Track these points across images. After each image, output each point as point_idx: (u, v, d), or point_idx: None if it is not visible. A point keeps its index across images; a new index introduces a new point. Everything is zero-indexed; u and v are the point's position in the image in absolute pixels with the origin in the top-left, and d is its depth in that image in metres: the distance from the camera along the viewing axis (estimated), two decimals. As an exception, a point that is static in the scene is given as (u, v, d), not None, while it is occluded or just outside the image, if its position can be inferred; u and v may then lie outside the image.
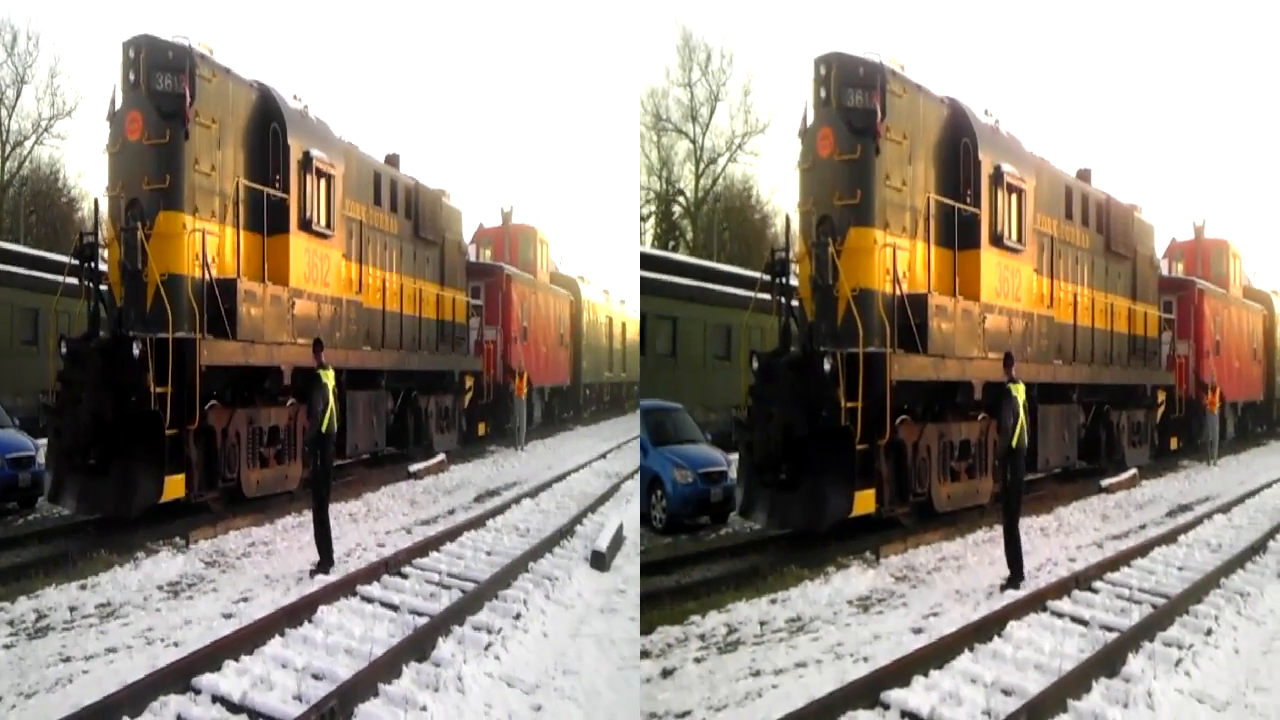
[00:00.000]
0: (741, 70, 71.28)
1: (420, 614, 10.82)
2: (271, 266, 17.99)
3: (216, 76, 16.99)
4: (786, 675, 9.53)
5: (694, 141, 51.24)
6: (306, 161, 18.62)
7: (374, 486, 20.44)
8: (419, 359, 24.74)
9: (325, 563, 12.99)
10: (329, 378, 13.18)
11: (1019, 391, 13.03)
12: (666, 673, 9.71)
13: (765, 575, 13.13)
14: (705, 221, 51.40)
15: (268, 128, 18.17)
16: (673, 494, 17.04)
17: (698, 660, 10.04)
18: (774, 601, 12.07)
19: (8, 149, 49.97)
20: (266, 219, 17.84)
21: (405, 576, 12.72)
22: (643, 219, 51.87)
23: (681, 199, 52.63)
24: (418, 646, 9.55)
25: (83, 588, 12.01)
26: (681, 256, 40.00)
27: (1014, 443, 12.90)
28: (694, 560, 14.41)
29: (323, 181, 19.23)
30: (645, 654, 10.31)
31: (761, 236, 49.28)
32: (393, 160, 25.07)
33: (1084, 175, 23.33)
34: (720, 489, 17.13)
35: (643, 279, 28.20)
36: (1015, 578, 12.86)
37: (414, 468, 22.45)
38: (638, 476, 18.88)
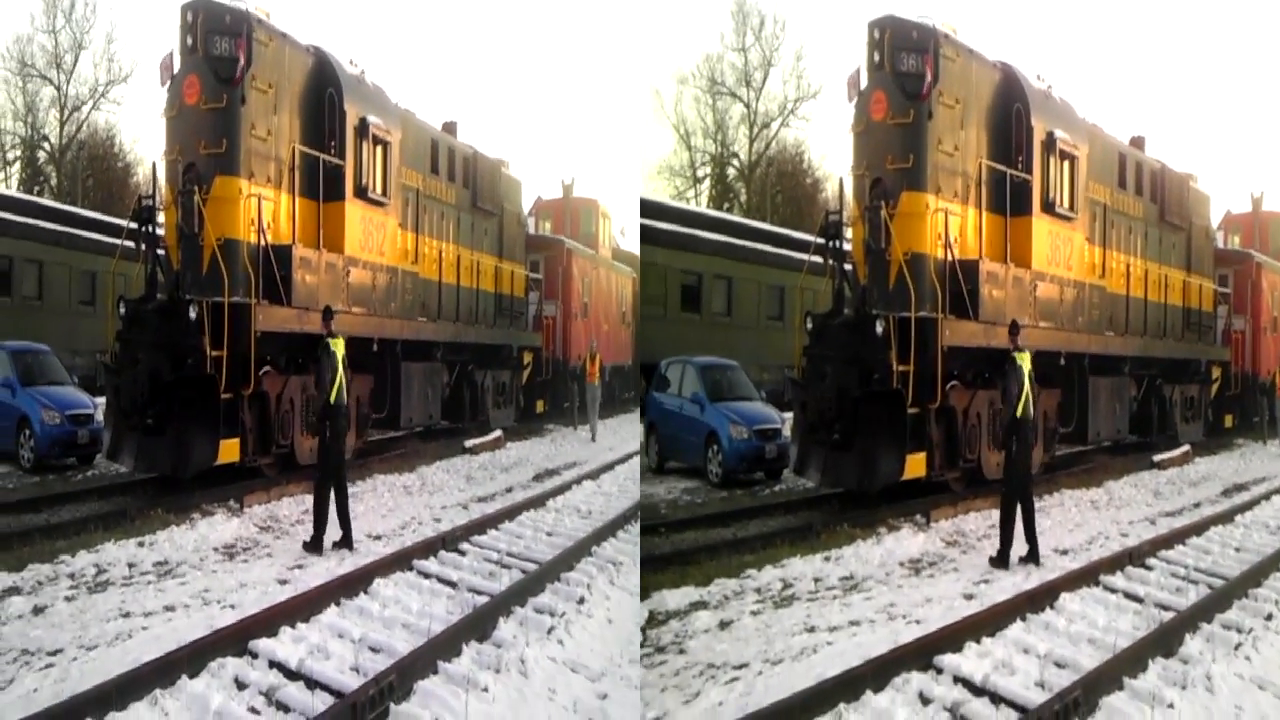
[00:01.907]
0: (794, 36, 72.00)
1: (480, 592, 10.57)
2: (327, 233, 17.92)
3: (273, 41, 16.96)
4: (841, 633, 9.59)
5: (748, 105, 52.13)
6: (363, 128, 18.52)
7: (429, 460, 20.24)
8: (475, 332, 24.40)
9: (318, 541, 12.41)
10: (338, 346, 12.86)
11: (1023, 360, 12.66)
12: (724, 624, 9.79)
13: (819, 533, 13.37)
14: (759, 185, 52.11)
15: (324, 93, 18.09)
16: (728, 449, 17.43)
17: (754, 613, 10.17)
18: (828, 559, 12.25)
19: (66, 113, 50.83)
20: (322, 185, 17.77)
21: (463, 553, 12.45)
22: (698, 181, 52.77)
23: (735, 162, 53.32)
24: (478, 625, 9.32)
25: (140, 545, 12.22)
26: (735, 217, 39.95)
27: (1018, 412, 12.54)
28: (749, 515, 14.77)
29: (379, 148, 19.08)
30: (703, 605, 10.40)
31: (813, 200, 49.69)
32: (450, 128, 24.76)
33: (1137, 143, 23.00)
34: (775, 446, 17.49)
35: (697, 238, 28.34)
36: (1003, 556, 12.34)
37: (470, 443, 22.21)
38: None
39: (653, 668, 8.81)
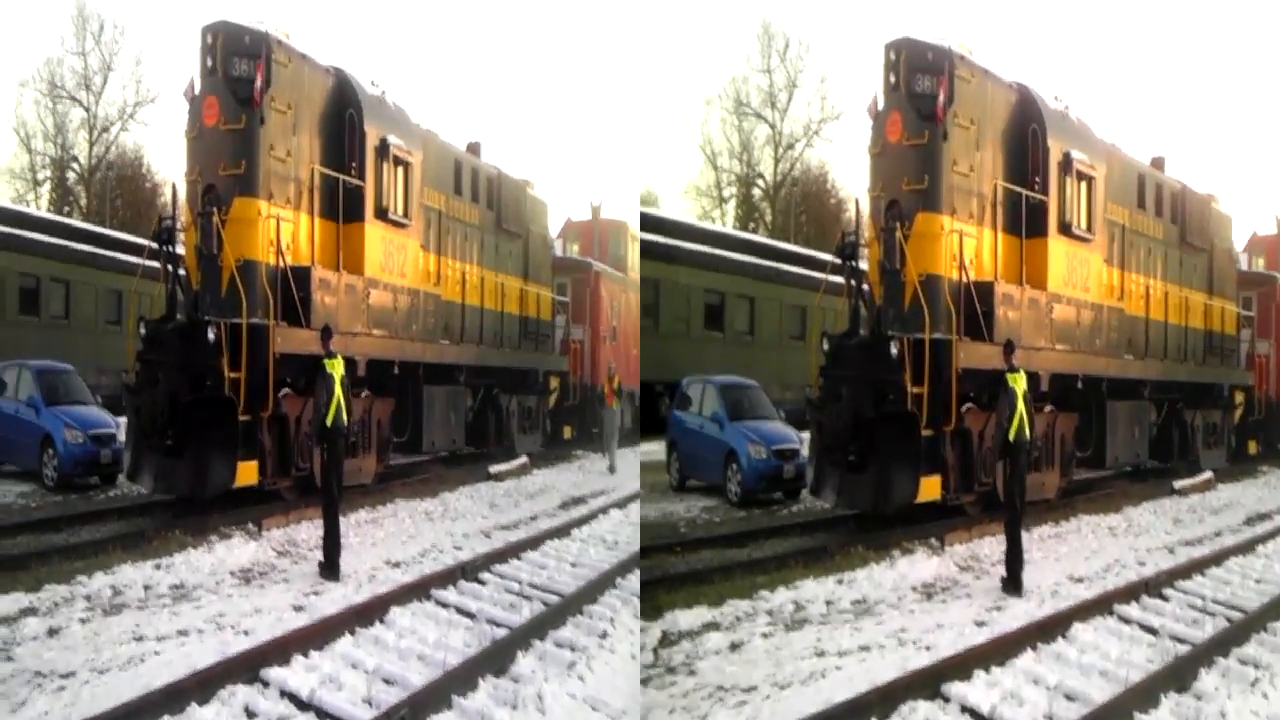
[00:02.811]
0: (819, 58, 73.17)
1: (499, 624, 10.38)
2: (347, 255, 17.92)
3: (292, 62, 17.03)
4: (850, 657, 9.58)
5: (773, 126, 53.34)
6: (383, 148, 18.53)
7: (451, 486, 19.95)
8: (500, 355, 24.05)
9: (332, 567, 12.35)
10: (334, 368, 12.66)
11: (1017, 382, 12.55)
12: (735, 646, 9.83)
13: (833, 555, 13.37)
14: (783, 205, 53.08)
15: (344, 114, 18.13)
16: (747, 468, 17.56)
17: (765, 635, 10.20)
18: (840, 582, 12.21)
19: (95, 134, 51.45)
20: (342, 206, 17.78)
21: (483, 583, 12.22)
22: (723, 201, 53.96)
23: (761, 182, 54.22)
24: (495, 659, 9.11)
25: (157, 567, 12.20)
26: (759, 237, 40.68)
27: (1011, 435, 12.45)
28: (764, 535, 14.81)
29: (400, 169, 19.06)
30: (714, 626, 10.42)
31: (837, 221, 50.29)
32: (474, 149, 24.66)
33: (1158, 164, 22.81)
34: (793, 466, 17.58)
35: (720, 257, 28.44)
36: (1014, 582, 12.20)
37: (494, 469, 21.83)
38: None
39: (663, 689, 8.82)
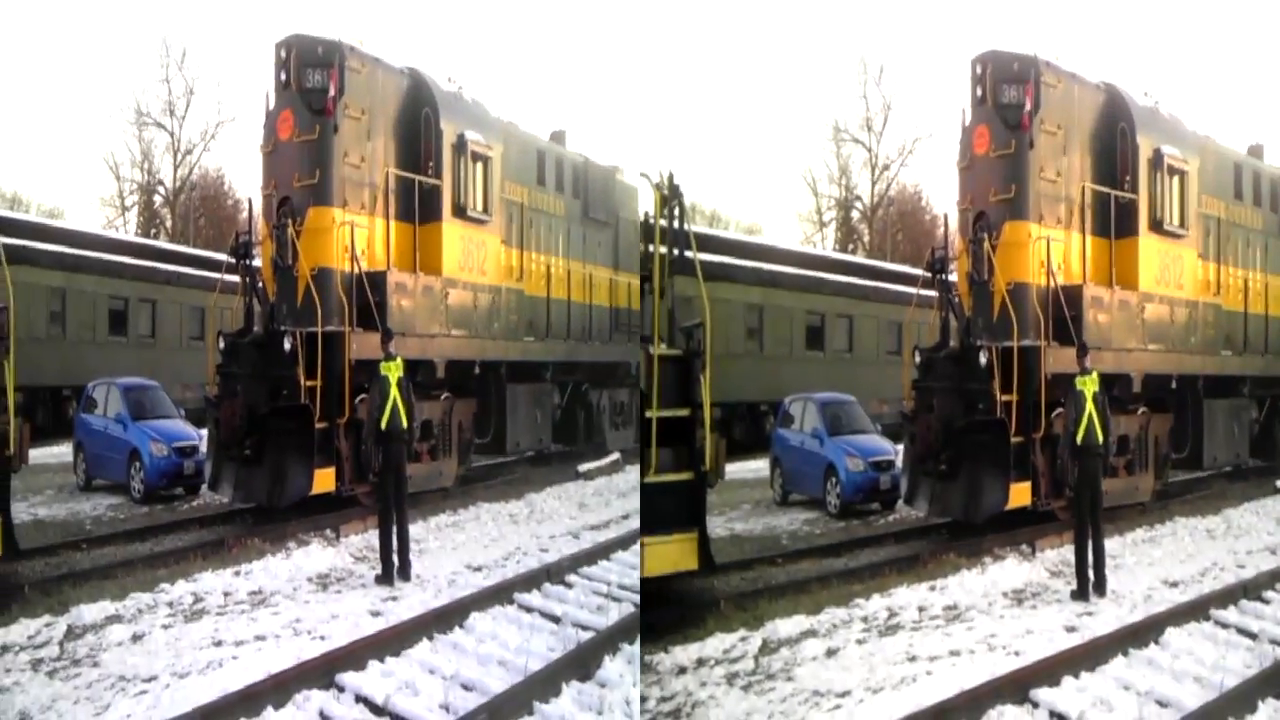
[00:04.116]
0: (913, 78, 74.57)
1: (585, 628, 10.25)
2: (424, 256, 17.72)
3: (366, 67, 17.02)
4: (940, 662, 9.70)
5: (869, 150, 55.15)
6: (461, 145, 18.28)
7: (538, 486, 19.48)
8: (588, 350, 23.29)
9: (387, 574, 12.36)
10: (390, 370, 12.64)
11: (1086, 385, 12.43)
12: (831, 652, 10.00)
13: (926, 562, 13.42)
14: (880, 225, 54.71)
15: (420, 113, 17.98)
16: (845, 481, 17.93)
17: (859, 642, 10.36)
18: (933, 588, 12.30)
19: (179, 157, 53.06)
20: (418, 207, 17.62)
21: (570, 586, 12.09)
22: (823, 225, 56.00)
23: (859, 204, 56.18)
24: (580, 663, 9.02)
25: (236, 574, 12.42)
26: (856, 258, 42.51)
27: (1079, 438, 12.31)
28: (860, 544, 15.11)
29: (479, 165, 18.78)
30: (812, 633, 10.50)
31: (931, 237, 51.14)
32: (558, 137, 24.03)
33: (1255, 151, 22.07)
34: (889, 477, 17.89)
35: (820, 279, 29.57)
36: (1082, 590, 12.09)
37: (583, 467, 21.21)
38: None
39: (762, 695, 9.00)
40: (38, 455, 16.71)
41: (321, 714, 8.01)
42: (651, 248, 11.78)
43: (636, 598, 11.30)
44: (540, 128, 23.53)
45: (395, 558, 12.46)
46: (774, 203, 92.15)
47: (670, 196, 11.80)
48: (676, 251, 11.77)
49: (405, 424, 12.77)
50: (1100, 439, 12.44)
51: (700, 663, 9.83)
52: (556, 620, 10.57)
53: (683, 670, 9.64)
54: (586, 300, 23.69)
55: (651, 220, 11.89)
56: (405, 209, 17.62)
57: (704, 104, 77.13)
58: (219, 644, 9.77)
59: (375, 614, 10.86)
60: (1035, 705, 8.56)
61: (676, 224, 11.84)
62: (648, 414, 10.90)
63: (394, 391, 12.55)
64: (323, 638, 9.91)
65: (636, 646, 9.62)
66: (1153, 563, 13.96)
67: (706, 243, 21.78)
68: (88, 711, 8.25)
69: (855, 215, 56.35)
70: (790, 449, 19.52)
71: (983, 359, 14.61)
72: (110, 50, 75.64)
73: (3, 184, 52.47)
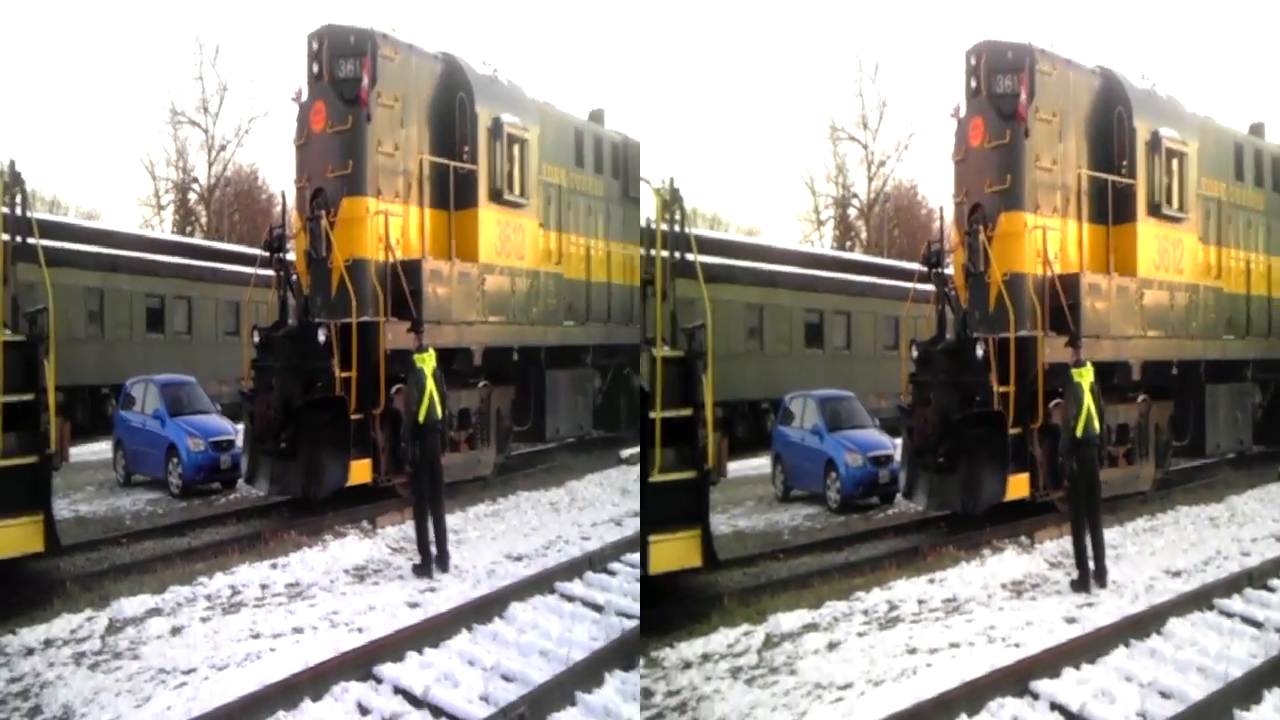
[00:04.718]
0: (908, 73, 75.20)
1: (630, 616, 10.18)
2: (459, 243, 17.63)
3: (399, 54, 16.89)
4: (940, 655, 9.82)
5: (865, 147, 55.51)
6: (496, 129, 18.16)
7: (578, 474, 19.26)
8: (629, 332, 22.43)
9: (425, 565, 12.34)
10: (424, 361, 12.59)
11: (1082, 376, 12.56)
12: (832, 645, 10.19)
13: (925, 555, 13.56)
14: (876, 221, 55.26)
15: (454, 98, 17.80)
16: (845, 476, 18.06)
17: (860, 635, 10.53)
18: (932, 581, 12.42)
19: (213, 154, 53.09)
20: (453, 193, 17.53)
21: (613, 574, 11.96)
22: (821, 223, 56.54)
23: (856, 202, 56.55)
24: (623, 652, 8.94)
25: (273, 566, 12.54)
26: (853, 255, 42.75)
27: (1079, 431, 12.42)
28: (860, 538, 15.18)
29: (515, 148, 18.60)
30: (814, 627, 10.74)
31: (927, 231, 51.80)
32: (597, 116, 23.75)
33: (1257, 130, 21.97)
34: (888, 471, 18.01)
35: (818, 278, 29.88)
36: (1083, 581, 12.16)
37: (626, 453, 20.63)
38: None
39: (765, 688, 9.14)
40: (78, 453, 16.80)
41: (360, 706, 8.05)
42: (653, 252, 12.09)
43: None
44: (578, 107, 23.30)
45: (433, 548, 12.51)
46: (773, 204, 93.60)
47: (671, 201, 12.10)
48: (678, 255, 12.09)
49: (441, 415, 12.78)
50: (1098, 430, 12.62)
51: (705, 657, 9.95)
52: (599, 609, 10.56)
53: (688, 665, 9.77)
54: (628, 281, 23.00)
55: (653, 225, 12.17)
56: (440, 195, 17.53)
57: (703, 109, 77.90)
58: (257, 636, 9.91)
59: (413, 605, 10.84)
60: (1036, 697, 8.57)
61: (678, 228, 12.14)
62: (651, 415, 11.15)
63: (430, 384, 12.54)
64: (360, 630, 9.95)
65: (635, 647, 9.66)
66: (1154, 552, 13.99)
67: (707, 245, 22.04)
68: (129, 703, 8.38)
69: (852, 213, 56.80)
70: (791, 445, 19.65)
71: (979, 351, 14.76)
72: (144, 54, 75.98)
73: (42, 188, 52.81)
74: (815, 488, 18.92)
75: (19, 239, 12.15)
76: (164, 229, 50.58)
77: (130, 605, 10.86)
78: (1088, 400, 12.47)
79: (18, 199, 12.23)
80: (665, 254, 12.03)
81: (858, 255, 43.64)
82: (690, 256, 12.08)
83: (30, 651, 9.73)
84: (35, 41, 69.58)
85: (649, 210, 12.52)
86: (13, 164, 11.90)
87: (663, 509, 11.24)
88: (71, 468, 16.20)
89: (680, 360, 11.75)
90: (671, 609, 11.22)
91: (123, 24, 71.61)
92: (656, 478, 11.25)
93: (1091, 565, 12.31)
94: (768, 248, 32.35)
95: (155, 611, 10.77)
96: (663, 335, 11.63)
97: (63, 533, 12.64)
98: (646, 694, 9.08)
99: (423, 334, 13.51)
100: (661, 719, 8.72)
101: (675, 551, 11.44)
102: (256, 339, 16.38)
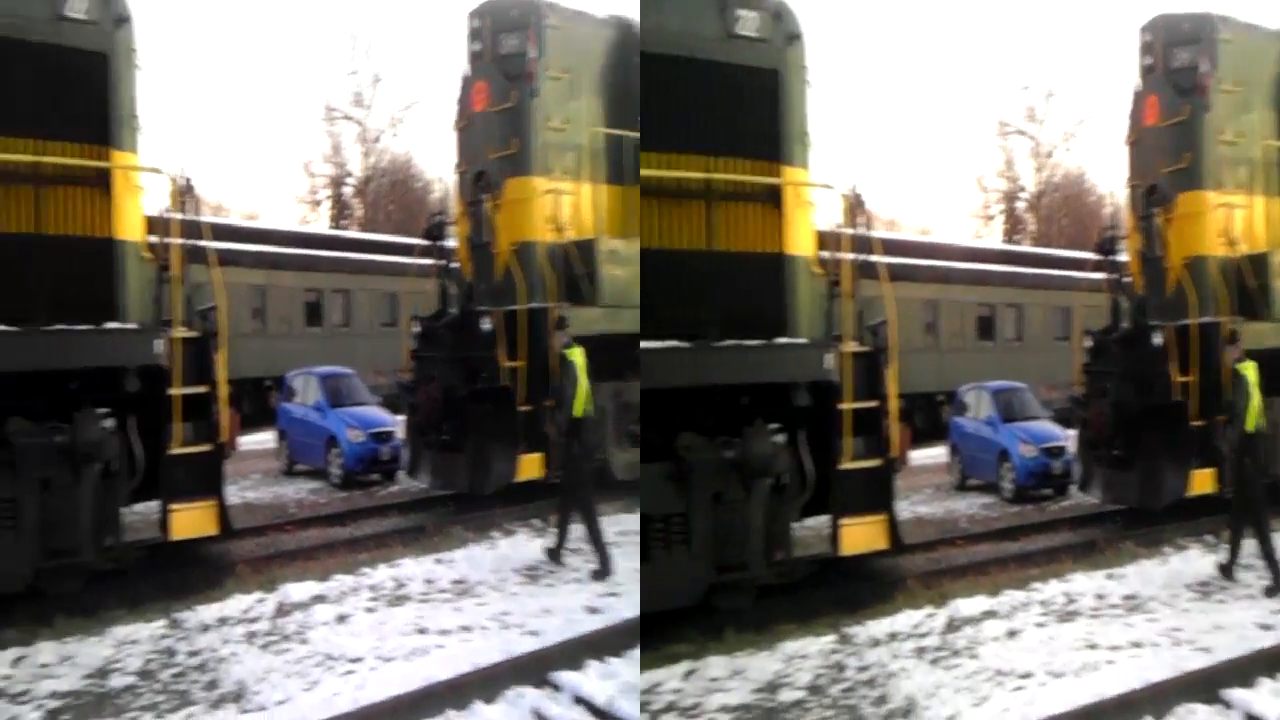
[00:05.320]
0: (1072, 62, 73.88)
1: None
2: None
3: (566, 23, 15.94)
4: (1122, 653, 9.65)
5: (1034, 139, 55.90)
6: None
7: None
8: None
9: (604, 566, 11.77)
10: (575, 355, 12.20)
11: (1247, 370, 11.99)
12: (1011, 634, 10.23)
13: (1102, 549, 13.36)
14: (1045, 212, 55.86)
15: (629, 63, 15.92)
16: (1019, 466, 18.48)
17: (1039, 625, 10.49)
18: (1110, 576, 12.16)
19: (367, 146, 54.21)
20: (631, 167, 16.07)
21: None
22: (990, 218, 57.34)
23: (1024, 194, 56.92)
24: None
25: (438, 562, 12.28)
26: (1022, 248, 44.37)
27: (1250, 426, 11.84)
28: (1035, 529, 15.36)
29: None
30: (992, 614, 10.72)
31: (1096, 218, 52.66)
32: None
33: None
34: (1061, 462, 18.27)
35: (989, 272, 31.33)
36: (1277, 585, 11.51)
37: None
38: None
39: (949, 670, 9.26)
40: (245, 442, 17.23)
41: (536, 713, 7.89)
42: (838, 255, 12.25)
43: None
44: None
45: (564, 548, 12.15)
46: (944, 204, 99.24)
47: (855, 206, 12.30)
48: (862, 256, 12.22)
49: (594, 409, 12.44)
50: (1265, 426, 12.16)
51: (892, 636, 10.13)
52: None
53: (876, 642, 9.96)
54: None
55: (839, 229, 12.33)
56: (616, 170, 16.39)
57: (878, 117, 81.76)
58: (423, 631, 9.84)
59: (592, 610, 10.46)
60: (1228, 706, 8.29)
61: (862, 231, 12.31)
62: (840, 406, 11.41)
63: (583, 378, 12.18)
64: (534, 633, 9.71)
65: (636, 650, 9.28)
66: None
67: (886, 246, 21.29)
68: (298, 685, 8.46)
69: (1021, 205, 56.87)
70: (966, 436, 20.27)
71: (1157, 339, 14.30)
72: (299, 56, 79.49)
73: (208, 194, 55.52)
74: (990, 477, 19.39)
75: (193, 242, 12.55)
76: (322, 224, 52.17)
77: (297, 590, 10.97)
78: (1255, 395, 11.98)
79: (189, 206, 12.63)
80: (850, 256, 12.20)
81: (1026, 248, 44.55)
82: (873, 258, 12.22)
83: (207, 628, 9.98)
84: (196, 59, 73.19)
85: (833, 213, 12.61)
86: (185, 174, 12.33)
87: (852, 495, 11.51)
88: (239, 456, 16.38)
89: (866, 355, 11.92)
90: (861, 588, 11.54)
91: (279, 30, 74.50)
92: (846, 465, 11.48)
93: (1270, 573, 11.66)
94: (941, 245, 33.89)
95: (320, 598, 10.84)
96: (849, 332, 11.84)
97: (233, 518, 12.76)
98: (839, 668, 9.33)
99: (565, 329, 12.87)
100: (854, 692, 8.87)
101: (864, 535, 11.65)
102: (416, 329, 16.07)
